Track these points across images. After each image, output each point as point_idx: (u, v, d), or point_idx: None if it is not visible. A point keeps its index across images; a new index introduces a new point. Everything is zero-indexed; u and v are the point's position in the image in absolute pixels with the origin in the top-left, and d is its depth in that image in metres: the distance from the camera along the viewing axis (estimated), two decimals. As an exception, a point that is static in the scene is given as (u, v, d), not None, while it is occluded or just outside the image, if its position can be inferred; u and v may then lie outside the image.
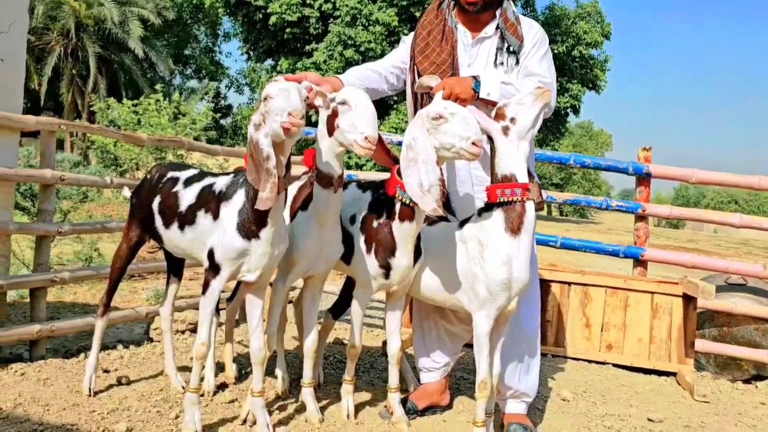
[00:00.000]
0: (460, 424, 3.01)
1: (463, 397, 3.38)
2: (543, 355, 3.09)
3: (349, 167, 18.53)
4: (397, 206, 2.62)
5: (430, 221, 2.83)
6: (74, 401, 2.89)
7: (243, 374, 3.44)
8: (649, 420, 3.34)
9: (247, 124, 3.04)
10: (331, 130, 2.53)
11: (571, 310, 4.42)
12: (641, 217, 4.72)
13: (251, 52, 25.68)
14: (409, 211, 2.60)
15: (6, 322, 3.62)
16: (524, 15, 3.17)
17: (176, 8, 32.78)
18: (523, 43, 2.84)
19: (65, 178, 3.66)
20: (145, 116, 12.86)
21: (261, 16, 22.40)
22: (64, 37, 28.45)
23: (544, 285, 4.31)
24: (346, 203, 2.79)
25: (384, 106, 20.33)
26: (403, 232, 2.64)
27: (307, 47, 22.02)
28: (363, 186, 2.93)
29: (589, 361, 4.34)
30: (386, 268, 2.69)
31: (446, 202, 2.92)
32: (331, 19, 21.53)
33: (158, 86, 14.38)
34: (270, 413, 2.77)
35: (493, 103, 2.64)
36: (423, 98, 2.90)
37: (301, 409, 2.95)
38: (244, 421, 2.74)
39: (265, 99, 2.35)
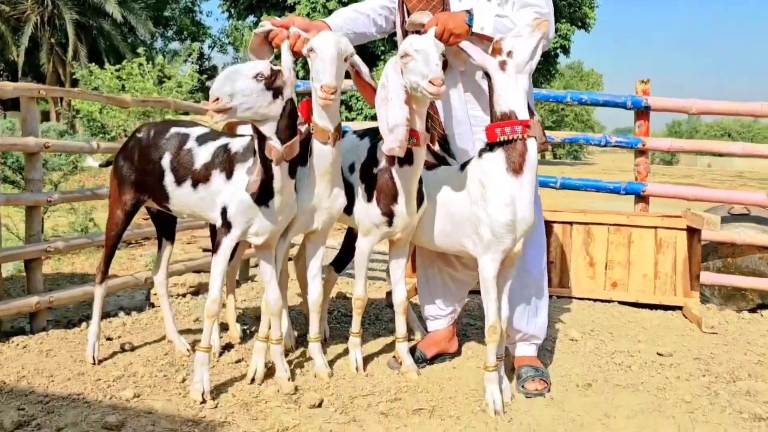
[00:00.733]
0: (470, 369, 2.98)
1: (471, 343, 3.36)
2: (548, 296, 3.03)
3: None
4: None
5: (429, 165, 2.74)
6: (79, 370, 2.84)
7: (247, 334, 3.40)
8: (659, 354, 3.32)
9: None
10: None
11: (574, 250, 4.38)
12: (641, 152, 4.64)
13: (232, 10, 25.07)
14: (408, 154, 2.52)
15: (4, 296, 3.55)
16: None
17: (152, -32, 31.87)
18: None
19: (50, 145, 3.54)
20: (129, 81, 12.59)
21: (240, -30, 21.78)
22: (39, 5, 27.69)
23: (547, 226, 4.24)
24: (344, 152, 2.70)
25: (371, 57, 19.94)
26: (404, 177, 2.56)
27: (289, 0, 21.48)
28: (360, 133, 2.84)
29: (595, 300, 4.33)
30: (389, 216, 2.62)
31: (444, 145, 2.83)
32: (312, -30, 20.93)
33: (140, 50, 14.03)
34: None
35: (489, 38, 2.52)
36: None
37: (308, 364, 2.92)
38: (252, 380, 2.71)
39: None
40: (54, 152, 4.03)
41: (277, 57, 2.57)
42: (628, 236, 4.30)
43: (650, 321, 3.97)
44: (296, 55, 2.51)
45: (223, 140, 2.66)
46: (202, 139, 2.71)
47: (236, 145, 2.59)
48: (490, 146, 2.49)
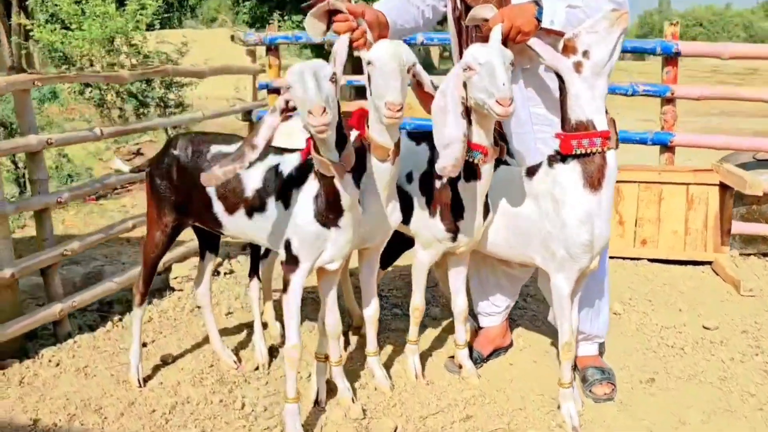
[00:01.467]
0: (528, 367, 2.93)
1: (520, 330, 3.29)
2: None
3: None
4: None
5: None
6: (128, 399, 2.71)
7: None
8: (705, 328, 3.31)
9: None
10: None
11: (603, 208, 4.27)
12: (669, 101, 4.45)
13: None
14: (476, 169, 2.32)
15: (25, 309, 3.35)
16: None
17: None
18: None
19: (53, 141, 3.23)
20: (89, 5, 11.66)
21: None
22: None
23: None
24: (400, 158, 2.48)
25: None
26: (470, 193, 2.37)
27: None
28: (416, 137, 2.62)
29: (624, 258, 4.27)
30: (454, 232, 2.45)
31: (504, 143, 2.62)
32: None
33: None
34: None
35: (560, 33, 2.26)
36: (469, 32, 2.50)
37: (355, 379, 2.83)
38: (316, 402, 2.61)
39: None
40: (58, 147, 3.70)
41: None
42: (659, 193, 4.20)
43: (684, 282, 3.94)
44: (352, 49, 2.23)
45: (271, 160, 2.40)
46: None
47: (287, 165, 2.34)
48: (563, 156, 2.30)
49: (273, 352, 3.09)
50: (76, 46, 11.26)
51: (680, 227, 4.19)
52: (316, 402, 2.61)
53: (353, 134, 2.29)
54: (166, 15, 13.97)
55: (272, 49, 4.89)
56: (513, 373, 2.88)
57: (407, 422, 2.51)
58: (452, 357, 2.92)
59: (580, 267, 2.34)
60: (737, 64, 30.73)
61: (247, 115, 4.94)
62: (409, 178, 2.54)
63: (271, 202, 2.34)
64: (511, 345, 3.10)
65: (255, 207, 2.38)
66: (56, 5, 11.83)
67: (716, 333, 3.26)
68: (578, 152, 2.22)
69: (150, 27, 11.49)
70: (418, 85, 2.30)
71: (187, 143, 2.57)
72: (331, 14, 2.25)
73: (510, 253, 2.53)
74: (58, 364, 3.03)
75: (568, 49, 2.20)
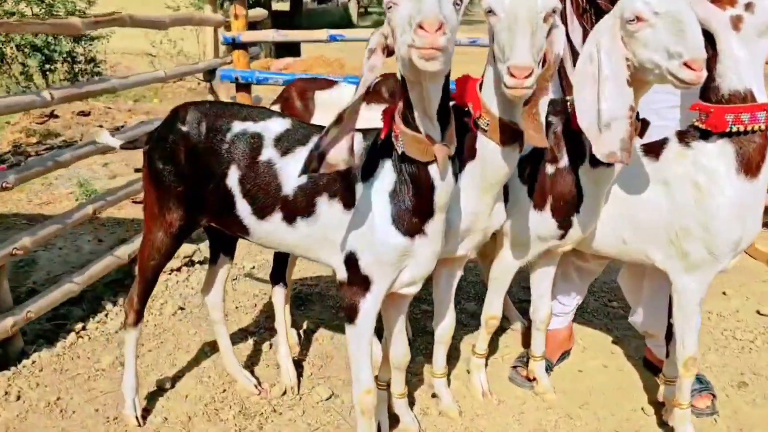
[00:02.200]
0: (598, 371, 2.57)
1: (574, 326, 2.88)
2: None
3: None
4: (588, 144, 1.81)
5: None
6: (129, 446, 2.10)
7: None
8: (759, 314, 3.05)
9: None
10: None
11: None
12: None
13: None
14: None
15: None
16: None
17: None
18: None
19: (-8, 107, 2.46)
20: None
21: None
22: None
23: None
24: None
25: None
26: (595, 182, 1.89)
27: None
28: None
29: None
30: (566, 228, 1.97)
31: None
32: None
33: None
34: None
35: None
36: None
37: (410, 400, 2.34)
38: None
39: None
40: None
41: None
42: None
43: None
44: None
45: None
46: (286, 143, 1.81)
47: None
48: (703, 133, 1.86)
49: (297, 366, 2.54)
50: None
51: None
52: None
53: None
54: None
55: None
56: (587, 383, 2.48)
57: (495, 457, 2.06)
58: (516, 367, 2.49)
59: (721, 268, 1.93)
60: None
61: (209, 74, 4.20)
62: None
63: (323, 203, 1.74)
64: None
65: (298, 209, 1.77)
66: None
67: (772, 320, 3.00)
68: (735, 129, 1.78)
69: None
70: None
71: (200, 117, 1.91)
72: None
73: (621, 250, 2.08)
74: (19, 397, 2.35)
75: (724, 0, 1.74)
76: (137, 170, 5.42)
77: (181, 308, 3.04)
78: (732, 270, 3.47)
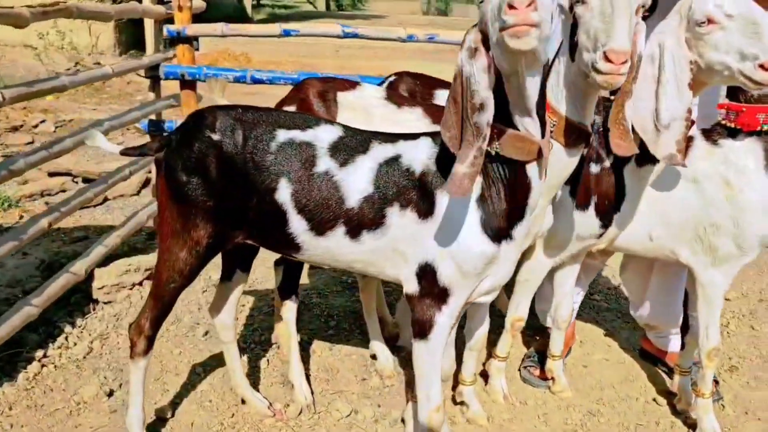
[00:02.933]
0: (601, 365, 2.62)
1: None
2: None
3: None
4: None
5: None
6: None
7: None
8: (725, 299, 3.21)
9: None
10: (574, 47, 1.58)
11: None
12: None
13: None
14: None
15: None
16: None
17: None
18: None
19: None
20: None
21: None
22: None
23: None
24: None
25: None
26: (638, 180, 1.91)
27: None
28: None
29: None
30: (607, 227, 1.97)
31: None
32: None
33: None
34: None
35: None
36: None
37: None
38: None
39: None
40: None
41: None
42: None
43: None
44: None
45: (380, 151, 1.66)
46: (342, 152, 1.67)
47: (414, 155, 1.62)
48: (731, 131, 1.92)
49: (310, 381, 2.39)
50: None
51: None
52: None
53: None
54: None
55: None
56: (596, 378, 2.51)
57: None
58: (527, 367, 2.49)
59: (747, 262, 2.01)
60: None
61: (152, 70, 3.88)
62: None
63: (393, 214, 1.62)
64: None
65: (364, 222, 1.65)
66: None
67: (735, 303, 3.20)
68: (766, 128, 1.85)
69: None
70: None
71: (234, 123, 1.72)
72: None
73: (647, 247, 2.11)
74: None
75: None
76: (51, 174, 4.99)
77: (208, 333, 2.78)
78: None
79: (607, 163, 1.91)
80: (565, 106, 1.64)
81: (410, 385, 2.36)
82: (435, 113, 1.94)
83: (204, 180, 1.73)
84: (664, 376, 2.52)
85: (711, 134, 1.97)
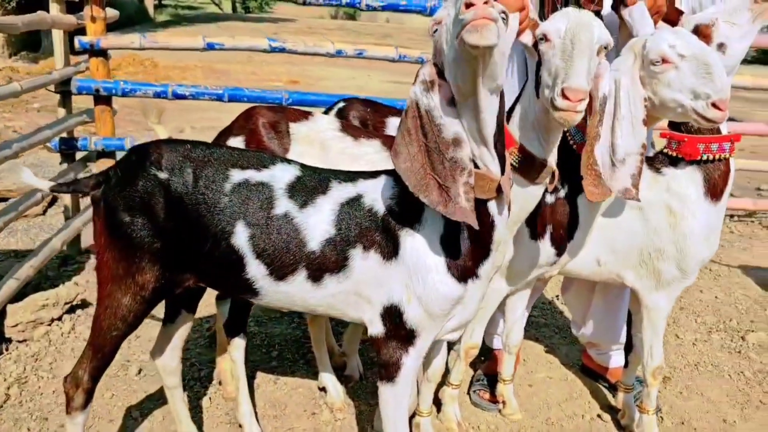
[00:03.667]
0: (544, 384, 2.66)
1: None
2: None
3: None
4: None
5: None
6: None
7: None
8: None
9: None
10: (538, 84, 1.59)
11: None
12: None
13: None
14: None
15: None
16: None
17: None
18: None
19: None
20: None
21: None
22: None
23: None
24: None
25: None
26: (592, 209, 1.94)
27: None
28: None
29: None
30: (561, 255, 2.00)
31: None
32: None
33: None
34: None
35: (679, 13, 1.93)
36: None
37: None
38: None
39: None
40: None
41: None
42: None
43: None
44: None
45: (340, 191, 1.60)
46: (301, 193, 1.60)
47: (377, 194, 1.57)
48: (672, 160, 2.00)
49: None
50: None
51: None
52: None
53: None
54: None
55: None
56: (541, 397, 2.56)
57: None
58: (477, 391, 2.49)
59: (688, 284, 2.09)
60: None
61: (63, 85, 3.62)
62: None
63: (356, 256, 1.57)
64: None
65: (326, 266, 1.59)
66: None
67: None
68: (705, 158, 1.94)
69: None
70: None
71: (184, 161, 1.62)
72: None
73: (594, 271, 2.16)
74: None
75: (700, 37, 1.87)
76: None
77: (141, 371, 2.59)
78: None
79: (562, 194, 1.94)
80: (530, 142, 1.65)
81: (361, 417, 2.32)
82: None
83: (150, 220, 1.61)
84: (606, 391, 2.60)
85: (654, 162, 2.04)
